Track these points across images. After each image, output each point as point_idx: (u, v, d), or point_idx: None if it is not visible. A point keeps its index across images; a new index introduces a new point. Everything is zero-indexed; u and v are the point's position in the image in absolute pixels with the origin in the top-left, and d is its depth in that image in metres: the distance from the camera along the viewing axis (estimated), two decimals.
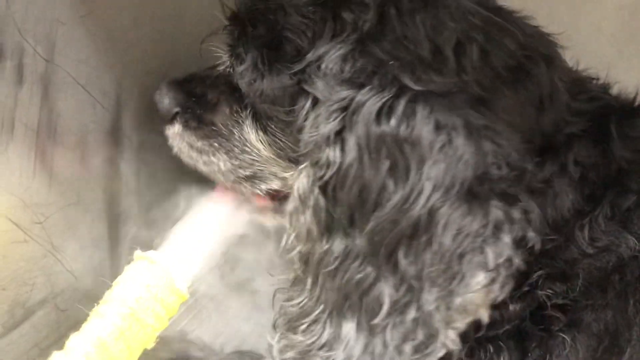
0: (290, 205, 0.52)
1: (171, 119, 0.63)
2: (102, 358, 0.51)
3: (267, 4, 0.55)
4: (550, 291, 0.49)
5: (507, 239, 0.45)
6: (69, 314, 0.64)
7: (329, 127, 0.47)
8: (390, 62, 0.47)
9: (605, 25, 0.86)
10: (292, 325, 0.52)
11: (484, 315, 0.48)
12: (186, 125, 0.62)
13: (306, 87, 0.51)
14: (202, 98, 0.62)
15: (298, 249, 0.51)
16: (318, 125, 0.48)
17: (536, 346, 0.50)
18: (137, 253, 0.59)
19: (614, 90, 0.60)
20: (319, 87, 0.50)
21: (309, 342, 0.50)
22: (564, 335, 0.49)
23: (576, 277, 0.50)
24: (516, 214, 0.46)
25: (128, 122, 0.69)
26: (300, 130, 0.52)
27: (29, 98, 0.54)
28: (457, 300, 0.46)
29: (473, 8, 0.51)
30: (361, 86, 0.47)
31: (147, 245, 0.62)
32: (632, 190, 0.52)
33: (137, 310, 0.54)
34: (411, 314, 0.46)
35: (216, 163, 0.62)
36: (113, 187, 0.69)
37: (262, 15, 0.55)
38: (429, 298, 0.46)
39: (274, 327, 0.55)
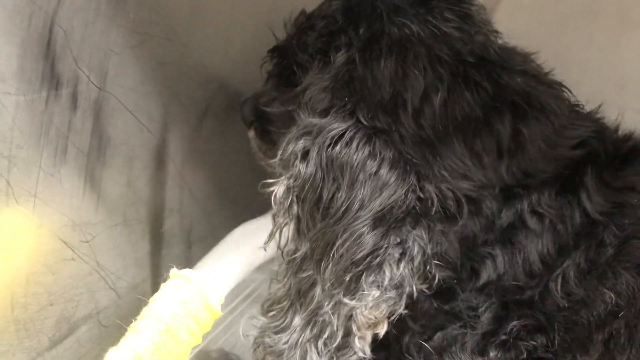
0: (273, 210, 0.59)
1: (249, 125, 0.74)
2: None
3: (290, 41, 0.64)
4: (533, 342, 0.50)
5: (404, 265, 0.50)
6: (110, 330, 0.66)
7: (298, 145, 0.54)
8: (351, 99, 0.53)
9: None
10: (267, 309, 0.58)
11: (382, 330, 0.53)
12: (257, 132, 0.73)
13: (295, 114, 0.57)
14: (265, 112, 0.71)
15: (279, 245, 0.58)
16: (289, 143, 0.55)
17: None
18: (173, 271, 0.61)
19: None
20: (301, 114, 0.56)
21: (270, 324, 0.56)
22: None
23: (553, 330, 0.49)
24: (423, 245, 0.51)
25: (172, 147, 0.71)
26: None
27: (82, 123, 0.57)
28: (346, 310, 0.51)
29: (444, 58, 0.53)
30: (325, 115, 0.54)
31: (188, 265, 0.64)
32: (606, 244, 0.50)
33: (173, 326, 0.56)
34: (322, 316, 0.53)
35: (273, 166, 0.68)
36: (156, 209, 0.71)
37: (285, 49, 0.65)
38: (329, 303, 0.52)
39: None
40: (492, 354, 0.51)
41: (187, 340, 0.57)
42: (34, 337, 0.57)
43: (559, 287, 0.50)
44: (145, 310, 0.58)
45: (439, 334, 0.53)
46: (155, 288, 0.62)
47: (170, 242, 0.75)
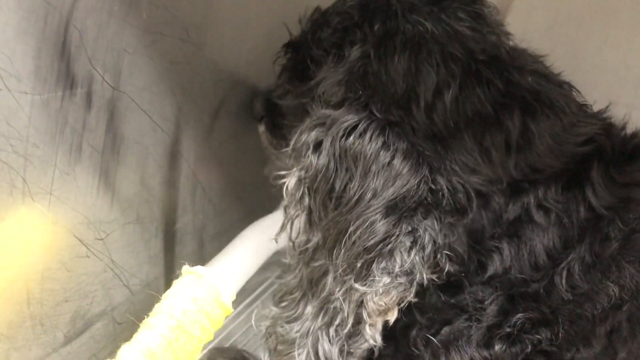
0: (284, 201, 0.60)
1: (260, 120, 0.76)
2: None
3: (305, 36, 0.65)
4: (538, 336, 0.50)
5: (415, 253, 0.51)
6: (124, 326, 0.67)
7: (311, 136, 0.55)
8: (365, 92, 0.54)
9: None
10: (279, 300, 0.59)
11: (392, 317, 0.54)
12: (267, 126, 0.75)
13: (308, 107, 0.59)
14: (278, 106, 0.72)
15: (290, 236, 0.59)
16: (302, 134, 0.56)
17: None
18: (185, 268, 0.62)
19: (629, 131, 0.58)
20: (314, 107, 0.58)
21: (282, 315, 0.57)
22: None
23: (557, 324, 0.50)
24: (433, 235, 0.51)
25: (185, 145, 0.71)
26: None
27: (96, 122, 0.57)
28: (357, 295, 0.52)
29: (457, 55, 0.54)
30: (339, 108, 0.55)
31: (200, 263, 0.65)
32: (611, 238, 0.51)
33: (185, 322, 0.56)
34: (333, 303, 0.54)
35: (283, 160, 0.70)
36: (170, 207, 0.72)
37: (299, 44, 0.66)
38: (341, 289, 0.53)
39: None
40: (497, 347, 0.51)
41: (199, 336, 0.58)
42: (50, 333, 0.58)
43: (564, 281, 0.51)
44: (157, 307, 0.59)
45: (446, 329, 0.54)
46: (168, 285, 0.62)
47: (183, 240, 0.75)
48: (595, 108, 0.60)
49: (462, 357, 0.52)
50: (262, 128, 0.76)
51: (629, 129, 0.59)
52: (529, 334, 0.51)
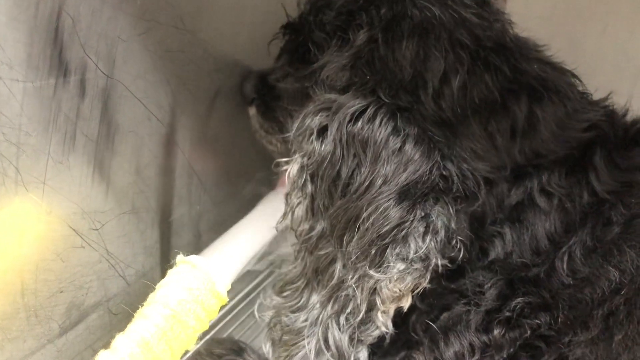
0: (286, 188, 0.59)
1: (250, 103, 0.75)
2: (145, 357, 0.53)
3: (306, 18, 0.64)
4: (537, 320, 0.50)
5: (430, 238, 0.50)
6: (120, 317, 0.66)
7: (315, 121, 0.54)
8: (373, 77, 0.54)
9: None
10: (280, 289, 0.58)
11: (406, 304, 0.54)
12: (258, 109, 0.74)
13: (310, 91, 0.58)
14: (272, 88, 0.71)
15: (292, 225, 0.58)
16: (306, 119, 0.55)
17: None
18: (180, 257, 0.62)
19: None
20: (317, 91, 0.57)
21: (286, 304, 0.57)
22: None
23: (557, 308, 0.50)
24: (446, 220, 0.51)
25: (181, 135, 0.71)
26: None
27: (90, 111, 0.57)
28: (371, 283, 0.51)
29: (465, 42, 0.54)
30: (344, 93, 0.54)
31: (196, 254, 0.64)
32: (613, 222, 0.51)
33: (179, 312, 0.56)
34: (344, 291, 0.53)
35: (274, 144, 0.73)
36: (165, 197, 0.71)
37: (299, 26, 0.65)
38: (353, 277, 0.52)
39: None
40: (495, 332, 0.51)
41: (194, 326, 0.57)
42: (45, 324, 0.58)
43: (564, 265, 0.51)
44: (151, 297, 0.58)
45: (445, 314, 0.54)
46: (164, 276, 0.62)
47: (179, 231, 0.75)
48: (595, 97, 0.60)
49: (461, 342, 0.52)
50: (252, 111, 0.75)
51: (630, 117, 0.60)
52: (528, 318, 0.50)
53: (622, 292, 0.48)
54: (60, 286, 0.58)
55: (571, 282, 0.50)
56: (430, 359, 0.53)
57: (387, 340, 0.57)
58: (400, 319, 0.56)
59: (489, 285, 0.53)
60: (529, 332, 0.50)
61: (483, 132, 0.52)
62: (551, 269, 0.51)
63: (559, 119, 0.54)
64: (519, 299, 0.51)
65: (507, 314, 0.51)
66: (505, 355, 0.51)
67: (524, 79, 0.54)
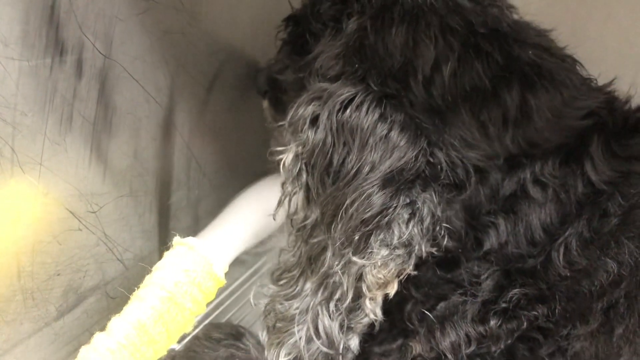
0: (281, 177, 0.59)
1: (263, 95, 0.75)
2: (141, 339, 0.53)
3: (305, 9, 0.64)
4: (534, 312, 0.50)
5: (413, 225, 0.51)
6: (118, 301, 0.65)
7: (308, 110, 0.54)
8: (362, 66, 0.53)
9: None
10: (277, 278, 0.59)
11: (392, 291, 0.53)
12: (271, 102, 0.74)
13: (305, 81, 0.58)
14: (280, 81, 0.71)
15: (288, 214, 0.58)
16: (299, 108, 0.55)
17: None
18: (176, 239, 0.61)
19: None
20: (312, 81, 0.57)
21: (281, 292, 0.57)
22: None
23: (554, 300, 0.49)
24: (432, 207, 0.51)
25: (180, 118, 0.70)
26: None
27: (87, 92, 0.56)
28: (355, 269, 0.52)
29: (456, 28, 0.53)
30: (336, 82, 0.54)
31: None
32: (610, 213, 0.50)
33: (176, 294, 0.56)
34: (332, 277, 0.53)
35: (285, 136, 0.69)
36: (164, 181, 0.71)
37: (299, 17, 0.65)
38: (339, 263, 0.52)
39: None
40: (492, 322, 0.51)
41: (191, 309, 0.57)
42: (42, 307, 0.57)
43: (561, 257, 0.50)
44: (148, 279, 0.58)
45: (442, 304, 0.53)
46: None
47: (177, 215, 0.74)
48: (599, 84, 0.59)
49: (457, 332, 0.52)
50: (265, 103, 0.76)
51: (633, 104, 0.58)
52: (525, 310, 0.50)
53: (622, 285, 0.47)
54: (57, 269, 0.58)
55: (568, 274, 0.50)
56: (427, 349, 0.53)
57: (378, 328, 0.57)
58: (396, 307, 0.56)
59: (485, 276, 0.52)
60: (526, 323, 0.50)
61: (474, 120, 0.52)
62: (547, 260, 0.51)
63: (554, 107, 0.53)
64: (515, 290, 0.51)
65: (504, 305, 0.51)
66: (502, 347, 0.51)
67: (517, 66, 0.53)
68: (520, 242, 0.52)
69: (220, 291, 0.73)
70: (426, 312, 0.54)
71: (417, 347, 0.54)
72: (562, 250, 0.50)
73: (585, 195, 0.52)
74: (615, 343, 0.46)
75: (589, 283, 0.49)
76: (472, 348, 0.51)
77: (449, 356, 0.52)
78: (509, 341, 0.51)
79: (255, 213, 0.66)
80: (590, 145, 0.53)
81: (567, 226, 0.51)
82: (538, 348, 0.50)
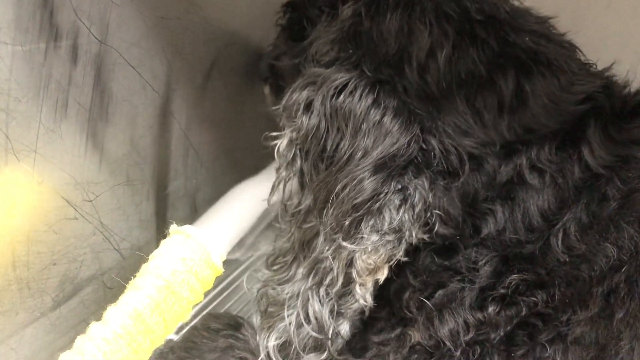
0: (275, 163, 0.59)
1: (265, 81, 0.76)
2: (138, 329, 0.52)
3: None
4: (533, 298, 0.49)
5: (404, 211, 0.51)
6: (115, 291, 0.65)
7: (302, 95, 0.54)
8: (356, 52, 0.53)
9: None
10: (271, 262, 0.59)
11: (382, 276, 0.54)
12: (272, 88, 0.75)
13: (301, 67, 0.58)
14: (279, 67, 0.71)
15: (282, 199, 0.58)
16: (294, 93, 0.55)
17: (523, 355, 0.49)
18: (173, 227, 0.60)
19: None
20: (307, 66, 0.57)
21: (274, 277, 0.57)
22: (548, 347, 0.48)
23: (554, 285, 0.49)
24: (424, 194, 0.51)
25: (177, 106, 0.69)
26: None
27: (83, 78, 0.55)
28: (345, 254, 0.52)
29: (451, 14, 0.53)
30: (330, 67, 0.54)
31: None
32: (609, 197, 0.49)
33: (173, 283, 0.55)
34: (323, 262, 0.53)
35: (280, 121, 0.71)
36: (161, 170, 0.70)
37: (298, 3, 0.65)
38: (330, 248, 0.52)
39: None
40: (490, 309, 0.50)
41: (188, 297, 0.56)
42: (37, 297, 0.57)
43: (559, 242, 0.50)
44: (144, 267, 0.57)
45: (440, 292, 0.53)
46: None
47: (175, 204, 0.74)
48: None
49: (455, 319, 0.52)
50: (267, 90, 0.76)
51: (632, 89, 0.57)
52: (524, 295, 0.50)
53: (623, 270, 0.47)
54: (53, 258, 0.57)
55: (567, 259, 0.49)
56: (425, 337, 0.53)
57: (375, 316, 0.57)
58: (394, 296, 0.56)
59: (483, 262, 0.52)
60: (525, 309, 0.49)
61: (468, 107, 0.52)
62: (546, 245, 0.51)
63: (551, 93, 0.52)
64: (513, 276, 0.50)
65: (502, 291, 0.51)
66: (502, 333, 0.50)
67: (513, 52, 0.53)
68: (518, 229, 0.52)
69: (219, 281, 0.73)
70: (424, 300, 0.54)
71: (415, 336, 0.54)
72: (560, 235, 0.50)
73: (582, 180, 0.51)
74: (616, 327, 0.46)
75: (588, 268, 0.48)
76: (471, 335, 0.51)
77: (448, 344, 0.52)
78: (508, 328, 0.50)
79: (253, 201, 0.66)
80: (588, 129, 0.52)
81: (565, 211, 0.51)
82: (537, 334, 0.49)
